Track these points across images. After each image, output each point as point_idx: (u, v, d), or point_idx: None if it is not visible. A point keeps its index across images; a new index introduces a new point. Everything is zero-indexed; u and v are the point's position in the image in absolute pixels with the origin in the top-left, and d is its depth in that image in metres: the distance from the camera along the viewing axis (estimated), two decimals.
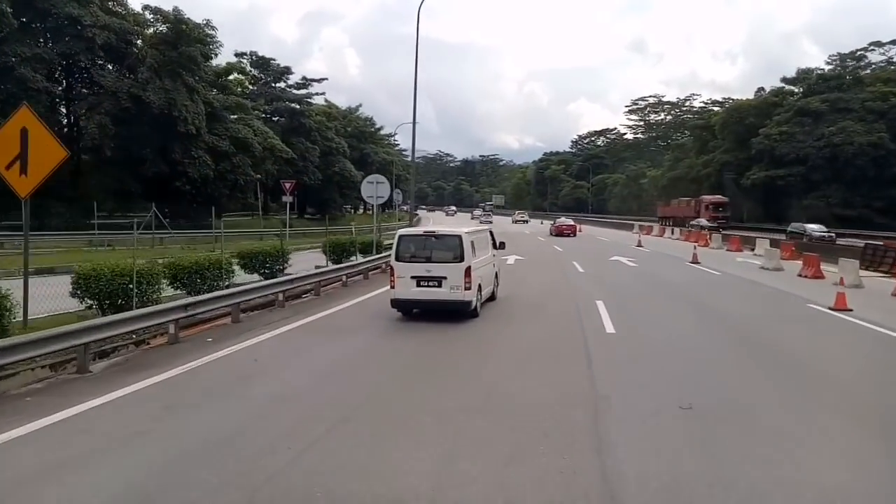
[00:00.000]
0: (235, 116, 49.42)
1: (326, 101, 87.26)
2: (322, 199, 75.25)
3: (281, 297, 15.10)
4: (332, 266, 19.42)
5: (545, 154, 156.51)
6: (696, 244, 34.03)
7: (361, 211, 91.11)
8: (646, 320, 13.32)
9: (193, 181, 42.94)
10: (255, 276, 16.67)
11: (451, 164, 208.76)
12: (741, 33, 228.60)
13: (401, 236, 13.36)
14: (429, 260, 12.90)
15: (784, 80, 67.12)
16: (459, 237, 12.90)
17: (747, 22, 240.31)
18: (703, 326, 12.97)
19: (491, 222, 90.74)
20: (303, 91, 69.72)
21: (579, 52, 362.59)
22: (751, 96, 79.58)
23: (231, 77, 49.44)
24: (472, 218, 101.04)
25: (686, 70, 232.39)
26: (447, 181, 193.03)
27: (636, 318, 13.55)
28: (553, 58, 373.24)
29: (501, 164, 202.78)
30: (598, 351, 10.34)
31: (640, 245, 37.00)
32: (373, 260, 22.82)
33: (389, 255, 23.57)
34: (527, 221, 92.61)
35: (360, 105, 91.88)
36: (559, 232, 51.82)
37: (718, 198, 60.45)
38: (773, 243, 30.28)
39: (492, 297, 15.38)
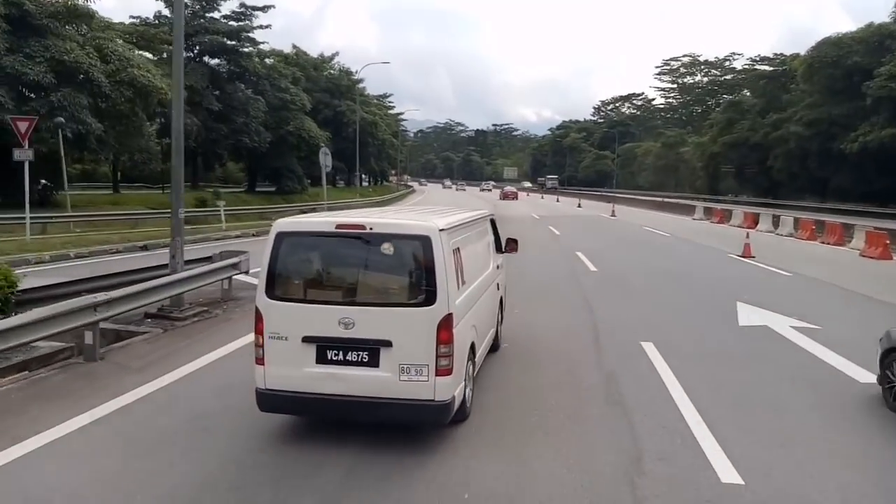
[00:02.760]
0: (86, 31, 30.65)
1: (294, 46, 68.55)
2: (273, 167, 56.78)
3: None
4: None
5: (564, 122, 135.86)
6: None
7: (329, 184, 72.11)
8: None
9: None
10: None
11: (463, 135, 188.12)
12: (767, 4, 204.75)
13: (281, 236, 5.41)
14: (351, 298, 5.32)
15: None
16: (426, 240, 5.25)
17: None
18: None
19: (464, 190, 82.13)
20: (243, 23, 50.41)
21: (601, 26, 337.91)
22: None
23: None
24: (444, 189, 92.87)
25: (713, 47, 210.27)
26: (457, 152, 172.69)
27: None
28: (574, 31, 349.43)
29: (516, 134, 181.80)
30: None
31: (749, 254, 17.94)
32: None
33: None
34: (490, 191, 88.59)
35: (337, 53, 72.32)
36: (505, 196, 62.20)
37: None
38: None
39: (493, 347, 7.64)
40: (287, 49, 65.27)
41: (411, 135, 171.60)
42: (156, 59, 42.88)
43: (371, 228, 5.34)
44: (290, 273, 5.52)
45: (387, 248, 5.23)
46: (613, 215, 37.66)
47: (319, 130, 57.27)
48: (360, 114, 60.38)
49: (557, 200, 61.13)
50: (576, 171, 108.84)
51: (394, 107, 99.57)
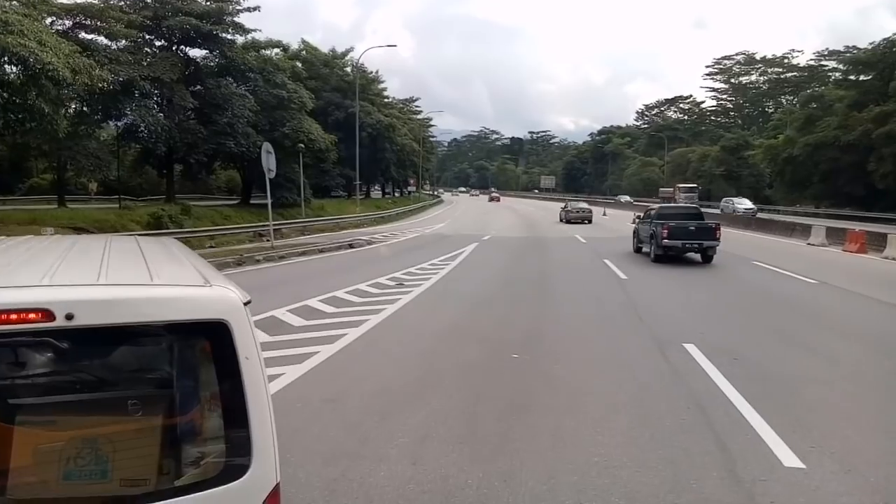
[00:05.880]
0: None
1: (303, 41, 59.57)
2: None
3: None
4: None
5: (605, 127, 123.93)
6: None
7: (346, 195, 62.25)
8: None
9: None
10: None
11: (498, 143, 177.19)
12: (812, 8, 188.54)
13: None
14: None
15: None
16: (219, 330, 1.92)
17: None
18: None
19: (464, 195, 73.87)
20: (224, 4, 41.00)
21: (639, 32, 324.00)
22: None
23: None
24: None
25: (753, 50, 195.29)
26: (492, 161, 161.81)
27: None
28: (611, 38, 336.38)
29: (553, 141, 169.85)
30: None
31: None
32: None
33: None
34: (478, 196, 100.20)
35: (352, 49, 62.87)
36: (492, 199, 75.00)
37: None
38: None
39: None
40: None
41: (445, 144, 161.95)
42: (115, 45, 33.76)
43: (69, 316, 1.80)
44: None
45: None
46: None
47: (324, 133, 47.27)
48: (358, 108, 50.06)
49: (604, 214, 49.90)
50: (619, 179, 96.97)
51: (420, 111, 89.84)
